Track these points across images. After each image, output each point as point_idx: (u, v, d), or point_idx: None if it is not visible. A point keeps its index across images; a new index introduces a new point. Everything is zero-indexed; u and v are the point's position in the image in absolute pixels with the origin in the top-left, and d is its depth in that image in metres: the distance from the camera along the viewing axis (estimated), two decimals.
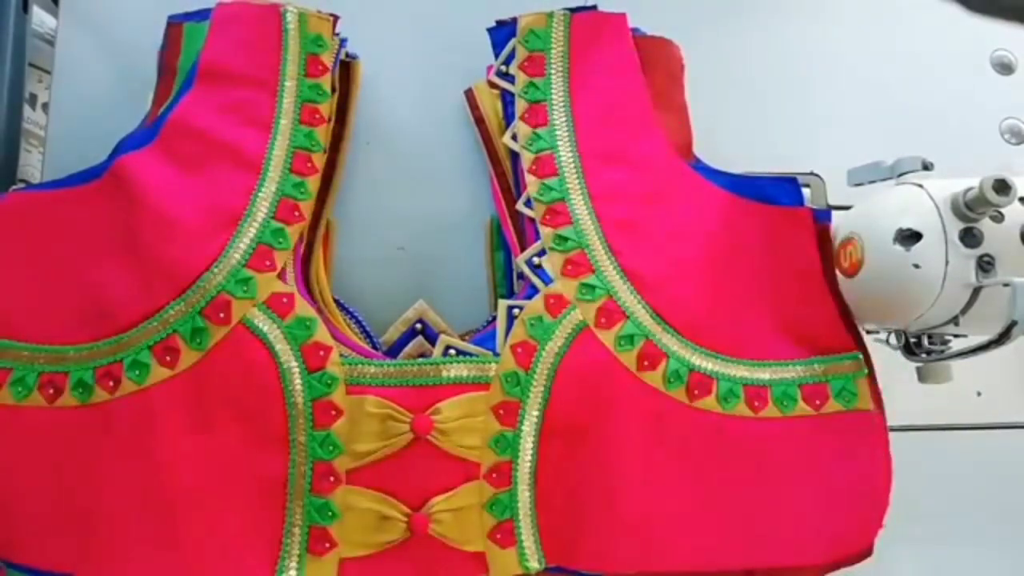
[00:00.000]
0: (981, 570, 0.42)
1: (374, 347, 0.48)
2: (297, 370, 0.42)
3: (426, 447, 0.42)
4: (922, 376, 0.47)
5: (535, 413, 0.43)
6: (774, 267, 0.48)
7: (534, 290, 0.45)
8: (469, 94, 0.54)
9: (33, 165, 0.58)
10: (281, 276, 0.44)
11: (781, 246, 0.48)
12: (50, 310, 0.44)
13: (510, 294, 0.50)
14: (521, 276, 0.47)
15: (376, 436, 0.42)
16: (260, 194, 0.45)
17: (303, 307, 0.43)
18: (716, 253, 0.47)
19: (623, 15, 0.51)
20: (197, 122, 0.46)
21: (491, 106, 0.52)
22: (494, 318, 0.45)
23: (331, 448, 0.42)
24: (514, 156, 0.50)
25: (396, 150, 0.54)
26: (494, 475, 0.43)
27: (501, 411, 0.43)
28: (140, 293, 0.42)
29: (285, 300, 0.43)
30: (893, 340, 0.48)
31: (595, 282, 0.45)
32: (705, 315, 0.46)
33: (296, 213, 0.45)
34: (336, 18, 0.51)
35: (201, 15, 0.50)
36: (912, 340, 0.47)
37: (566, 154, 0.48)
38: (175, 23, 0.50)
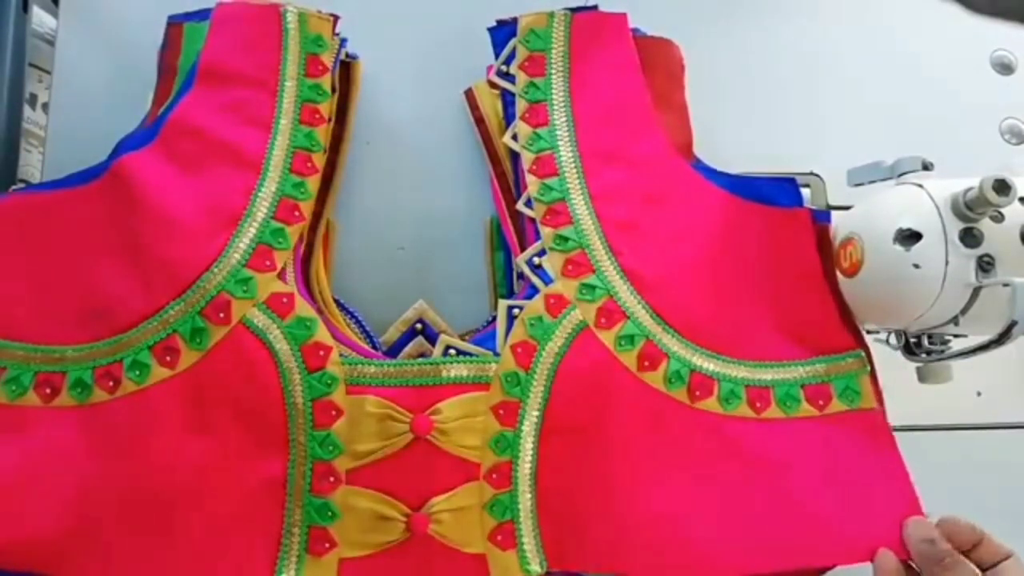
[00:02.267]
0: None
1: (374, 347, 0.48)
2: (297, 370, 0.42)
3: (426, 447, 0.42)
4: (922, 376, 0.47)
5: (535, 413, 0.43)
6: (774, 268, 0.48)
7: (534, 290, 0.45)
8: (469, 94, 0.54)
9: (33, 165, 0.58)
10: (281, 276, 0.44)
11: (781, 247, 0.48)
12: (48, 310, 0.44)
13: (510, 294, 0.50)
14: (521, 276, 0.47)
15: (376, 436, 0.42)
16: (260, 194, 0.45)
17: (303, 307, 0.43)
18: (717, 254, 0.47)
19: (623, 15, 0.51)
20: (197, 121, 0.46)
21: (491, 106, 0.52)
22: (494, 318, 0.45)
23: (331, 448, 0.42)
24: (514, 156, 0.50)
25: (396, 150, 0.54)
26: (494, 475, 0.42)
27: (501, 411, 0.43)
28: (140, 293, 0.42)
29: (285, 300, 0.43)
30: (893, 340, 0.48)
31: (595, 282, 0.44)
32: (706, 316, 0.46)
33: (296, 213, 0.45)
34: (336, 18, 0.51)
35: (201, 15, 0.50)
36: (912, 340, 0.47)
37: (566, 154, 0.48)
38: (175, 23, 0.50)
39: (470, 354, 0.44)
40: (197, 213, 0.43)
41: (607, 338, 0.44)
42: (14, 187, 0.53)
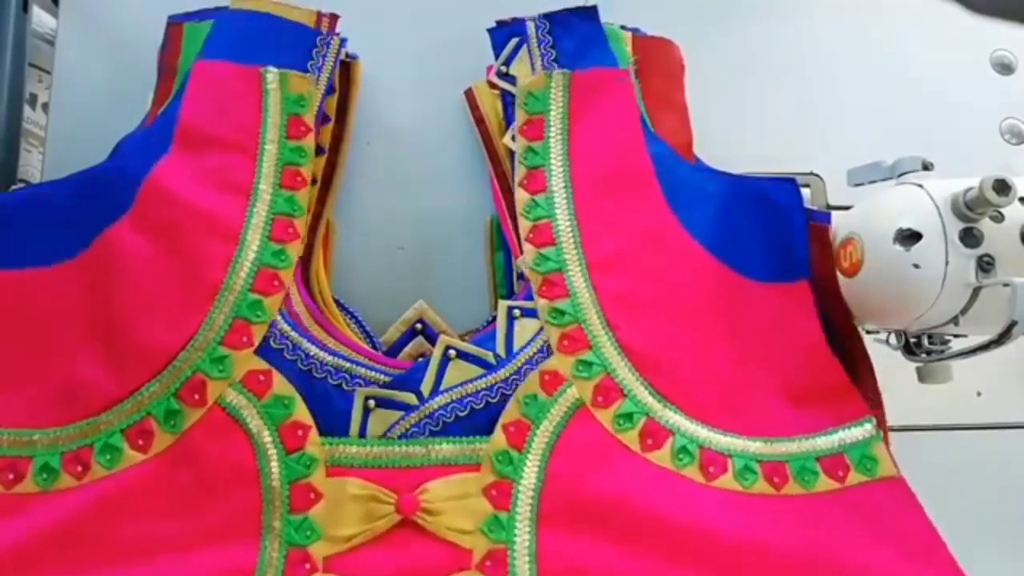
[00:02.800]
0: (981, 570, 0.42)
1: (374, 347, 0.49)
2: (274, 451, 0.40)
3: (413, 529, 0.39)
4: (922, 376, 0.47)
5: (530, 494, 0.40)
6: (776, 342, 0.46)
7: None
8: (469, 94, 0.54)
9: (33, 165, 0.58)
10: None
11: (782, 321, 0.46)
12: (19, 392, 0.42)
13: (510, 294, 0.49)
14: (521, 276, 0.46)
15: (359, 519, 0.39)
16: (237, 264, 0.43)
17: (281, 385, 0.41)
18: (717, 329, 0.45)
19: (626, 71, 0.50)
20: (174, 189, 0.44)
21: (491, 106, 0.52)
22: (494, 318, 0.45)
23: (308, 533, 0.39)
24: (514, 156, 0.50)
25: (396, 150, 0.54)
26: (488, 563, 0.39)
27: (493, 491, 0.40)
28: (115, 376, 0.41)
29: (262, 378, 0.41)
30: (893, 340, 0.48)
31: (592, 359, 0.43)
32: (708, 393, 0.44)
33: (276, 282, 0.44)
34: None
35: (201, 15, 0.50)
36: (912, 340, 0.47)
37: (564, 223, 0.46)
38: (175, 23, 0.50)
39: (471, 354, 0.44)
40: (173, 290, 0.42)
41: (604, 417, 0.42)
42: (14, 187, 0.53)
